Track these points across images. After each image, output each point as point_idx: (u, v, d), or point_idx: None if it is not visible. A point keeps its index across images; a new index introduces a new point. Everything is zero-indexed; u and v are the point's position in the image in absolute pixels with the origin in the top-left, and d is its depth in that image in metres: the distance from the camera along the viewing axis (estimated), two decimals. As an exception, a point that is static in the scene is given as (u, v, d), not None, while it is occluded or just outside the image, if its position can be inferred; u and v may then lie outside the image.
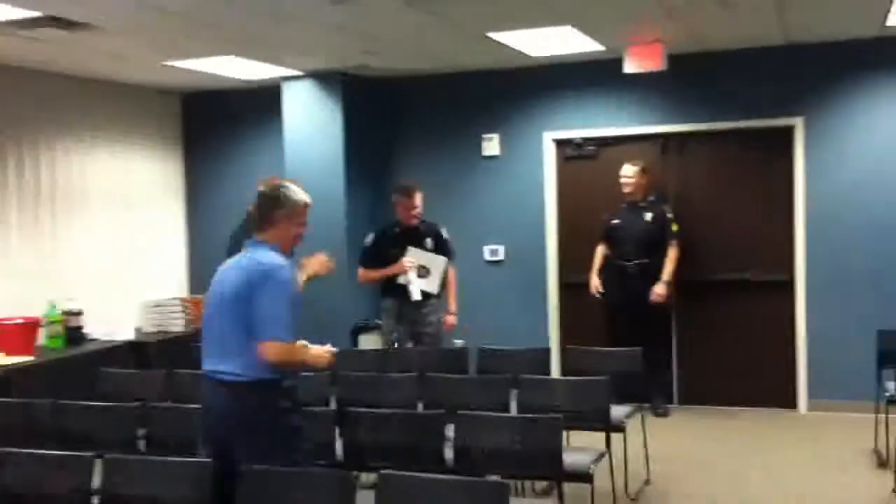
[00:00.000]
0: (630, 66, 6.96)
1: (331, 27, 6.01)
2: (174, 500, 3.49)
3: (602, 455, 4.68)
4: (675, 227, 7.21)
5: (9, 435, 4.46)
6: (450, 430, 4.25)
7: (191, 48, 6.55)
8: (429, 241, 6.50)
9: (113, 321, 7.31)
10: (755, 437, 6.71)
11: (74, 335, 6.92)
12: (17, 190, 7.13)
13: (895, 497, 5.20)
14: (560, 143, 7.89)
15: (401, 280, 6.35)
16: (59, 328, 6.86)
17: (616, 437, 4.94)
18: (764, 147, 7.40)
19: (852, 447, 6.22)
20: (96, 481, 3.68)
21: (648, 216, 7.27)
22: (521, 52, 7.01)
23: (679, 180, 7.60)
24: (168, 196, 8.75)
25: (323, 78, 7.77)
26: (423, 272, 6.40)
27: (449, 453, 4.21)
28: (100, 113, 7.91)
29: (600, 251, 7.44)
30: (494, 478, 4.16)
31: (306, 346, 3.77)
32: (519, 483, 4.89)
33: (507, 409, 4.87)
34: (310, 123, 7.90)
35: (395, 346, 6.38)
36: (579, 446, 4.82)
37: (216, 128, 8.80)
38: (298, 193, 3.90)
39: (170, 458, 3.65)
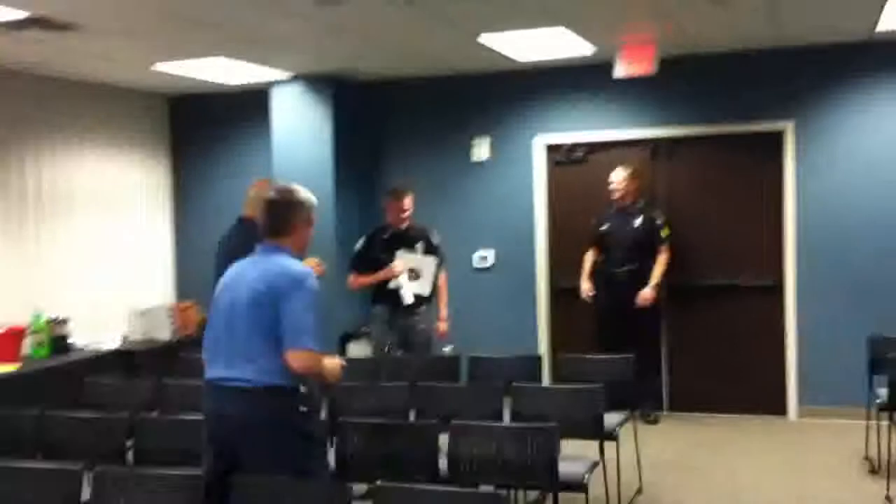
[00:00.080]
0: (620, 71, 6.95)
1: (321, 29, 5.96)
2: (166, 514, 3.43)
3: (596, 464, 4.64)
4: (665, 233, 7.19)
5: (-7, 446, 4.40)
6: (443, 440, 4.21)
7: (179, 49, 6.49)
8: (420, 245, 6.46)
9: (99, 329, 7.23)
10: (745, 443, 6.69)
11: (60, 344, 6.83)
12: (2, 194, 7.04)
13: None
14: (550, 148, 7.87)
15: (392, 285, 6.30)
16: (44, 336, 6.76)
17: (608, 445, 4.90)
18: (754, 151, 7.39)
19: (843, 454, 6.21)
20: (85, 494, 3.61)
21: (638, 221, 7.25)
22: (510, 57, 6.98)
23: (669, 185, 7.59)
24: (155, 201, 8.67)
25: (312, 81, 7.72)
26: (414, 275, 6.36)
27: (443, 463, 4.17)
28: (86, 116, 7.83)
29: (590, 256, 7.41)
30: (488, 488, 4.14)
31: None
32: (511, 492, 4.84)
33: (499, 418, 4.84)
34: (298, 127, 7.85)
35: (389, 352, 6.32)
36: (571, 454, 4.76)
37: (203, 131, 8.74)
38: (310, 196, 3.87)
39: (162, 471, 3.58)
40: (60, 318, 6.92)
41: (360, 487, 4.03)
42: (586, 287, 7.33)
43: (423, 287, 6.38)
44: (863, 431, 5.98)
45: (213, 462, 3.62)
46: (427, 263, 6.43)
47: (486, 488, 4.19)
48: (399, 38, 6.47)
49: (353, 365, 6.17)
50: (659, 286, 7.16)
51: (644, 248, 7.17)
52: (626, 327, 7.04)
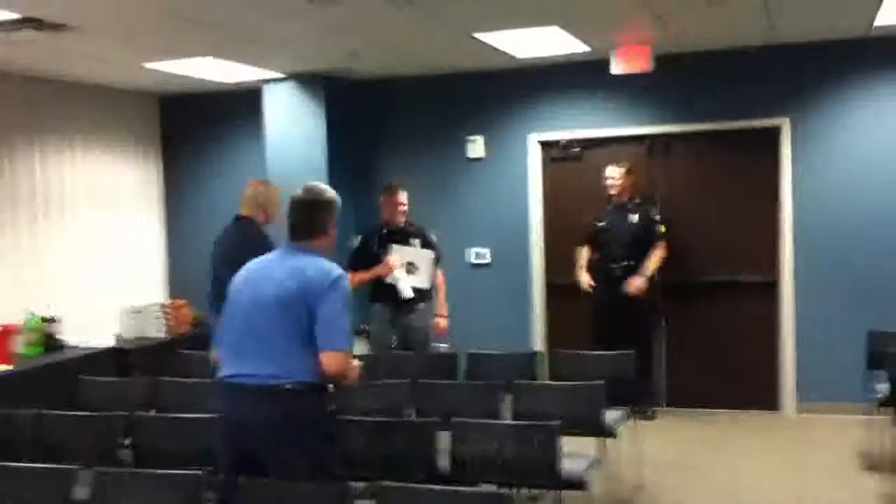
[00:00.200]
0: (617, 68, 6.93)
1: (316, 28, 5.91)
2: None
3: (596, 461, 4.62)
4: (661, 229, 7.17)
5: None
6: (444, 438, 4.17)
7: (173, 49, 6.43)
8: (416, 242, 6.43)
9: (92, 327, 7.17)
10: (743, 439, 6.68)
11: (53, 342, 6.77)
12: (-6, 194, 6.99)
13: (887, 501, 5.17)
14: (545, 145, 7.84)
15: (389, 280, 6.25)
16: (37, 335, 6.70)
17: (607, 442, 4.87)
18: (750, 148, 7.37)
19: (841, 450, 6.19)
20: (82, 493, 3.56)
21: (634, 218, 7.22)
22: (506, 54, 6.94)
23: (665, 182, 7.57)
24: (146, 200, 8.61)
25: (305, 79, 7.67)
26: (412, 269, 6.32)
27: (443, 461, 4.13)
28: (78, 117, 7.76)
29: (583, 253, 7.38)
30: (489, 486, 4.11)
31: None
32: (512, 490, 4.81)
33: (499, 415, 4.80)
34: (292, 126, 7.79)
35: (393, 349, 6.29)
36: (571, 452, 4.74)
37: (195, 131, 8.68)
38: (337, 195, 3.82)
39: (161, 471, 3.53)
40: (53, 316, 6.86)
41: (359, 486, 4.02)
42: (585, 278, 7.28)
43: (422, 280, 6.34)
44: (859, 427, 5.98)
45: (230, 468, 3.52)
46: (424, 256, 6.39)
47: (487, 487, 4.17)
48: (395, 37, 6.42)
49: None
50: (650, 278, 7.14)
51: (642, 245, 7.14)
52: (623, 324, 7.01)
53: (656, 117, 7.50)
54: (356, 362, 3.75)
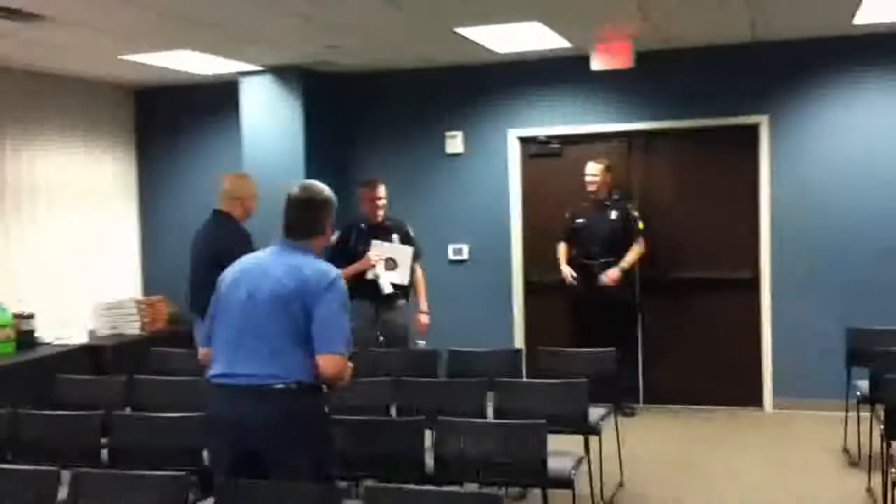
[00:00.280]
0: (597, 64, 6.90)
1: (294, 21, 5.83)
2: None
3: (581, 459, 4.60)
4: (640, 226, 7.16)
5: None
6: (429, 437, 4.13)
7: (148, 41, 6.33)
8: (396, 237, 6.36)
9: (65, 324, 7.06)
10: (723, 436, 6.69)
11: (26, 339, 6.67)
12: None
13: (869, 496, 5.19)
14: (524, 141, 7.81)
15: (369, 275, 6.19)
16: (10, 332, 6.59)
17: (590, 439, 4.85)
18: (729, 145, 7.39)
19: (821, 446, 6.22)
20: (60, 494, 3.49)
21: (613, 215, 7.21)
22: (487, 48, 6.90)
23: (644, 178, 7.57)
24: (121, 193, 8.48)
25: (282, 73, 7.57)
26: (391, 264, 6.26)
27: (429, 461, 4.09)
28: (50, 109, 7.63)
29: (563, 248, 7.36)
30: (473, 486, 4.08)
31: None
32: (498, 489, 4.78)
33: (483, 413, 4.76)
34: (269, 119, 7.70)
35: (381, 345, 6.21)
36: (555, 450, 4.71)
37: (170, 123, 8.56)
38: (333, 193, 3.76)
39: (143, 472, 3.45)
40: (26, 313, 6.75)
41: (344, 485, 3.97)
42: (567, 271, 7.26)
43: (402, 276, 6.28)
44: (838, 423, 6.00)
45: (230, 469, 3.43)
46: (403, 252, 6.33)
47: (471, 486, 4.13)
48: (374, 31, 6.36)
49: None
50: (628, 274, 7.13)
51: (620, 241, 7.14)
52: (602, 321, 7.01)
53: (636, 114, 7.49)
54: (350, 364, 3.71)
